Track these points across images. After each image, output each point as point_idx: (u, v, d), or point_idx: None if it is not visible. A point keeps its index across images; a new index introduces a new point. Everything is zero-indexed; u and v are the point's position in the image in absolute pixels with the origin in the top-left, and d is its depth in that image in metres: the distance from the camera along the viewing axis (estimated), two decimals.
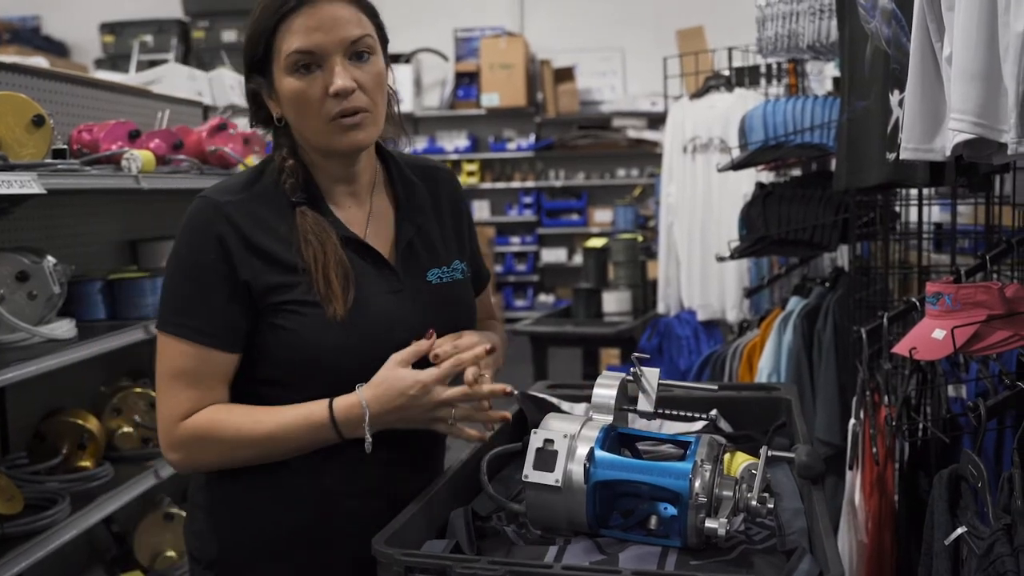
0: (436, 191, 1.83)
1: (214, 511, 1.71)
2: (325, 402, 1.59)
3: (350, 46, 1.59)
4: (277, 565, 1.67)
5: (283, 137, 1.69)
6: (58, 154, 2.79)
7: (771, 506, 1.46)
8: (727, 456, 1.71)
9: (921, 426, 2.23)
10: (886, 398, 2.40)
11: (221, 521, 1.70)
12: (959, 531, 1.63)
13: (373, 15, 1.66)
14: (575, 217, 9.38)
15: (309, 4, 1.57)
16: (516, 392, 2.06)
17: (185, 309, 1.61)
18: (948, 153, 1.67)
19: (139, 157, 3.07)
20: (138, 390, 3.44)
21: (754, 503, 1.45)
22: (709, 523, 1.42)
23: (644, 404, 1.70)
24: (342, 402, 1.59)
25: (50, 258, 2.87)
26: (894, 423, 2.26)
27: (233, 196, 1.63)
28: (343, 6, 1.59)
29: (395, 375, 1.59)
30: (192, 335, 1.59)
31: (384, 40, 1.69)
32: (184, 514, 3.61)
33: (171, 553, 3.56)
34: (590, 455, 1.50)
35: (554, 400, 2.05)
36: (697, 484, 1.44)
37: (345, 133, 1.61)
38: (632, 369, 1.71)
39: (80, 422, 3.15)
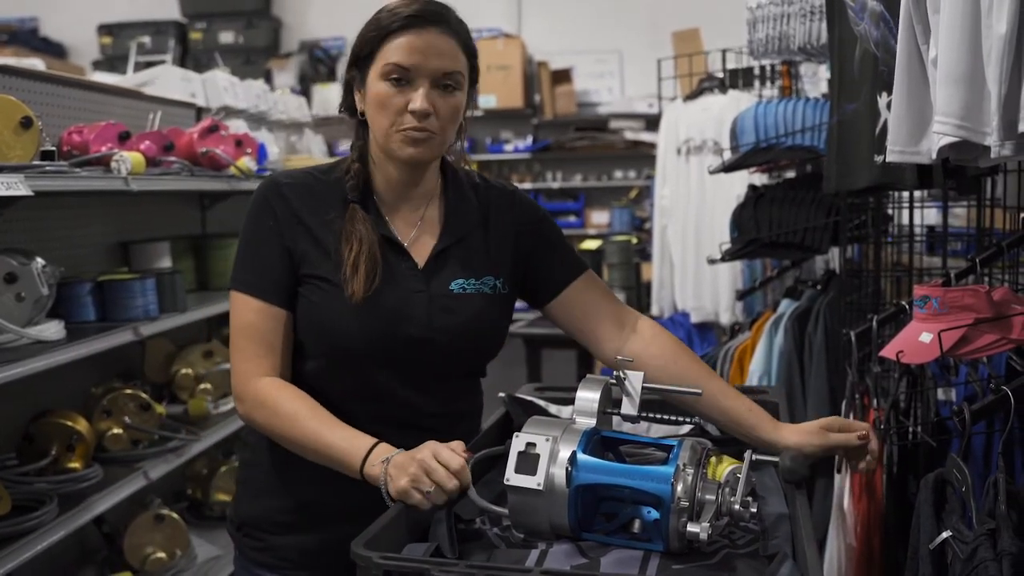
0: (488, 210, 1.95)
1: (247, 483, 1.98)
2: (364, 449, 1.66)
3: (440, 77, 1.76)
4: (295, 535, 1.89)
5: (361, 129, 1.88)
6: (47, 156, 2.79)
7: (754, 510, 1.46)
8: (712, 460, 1.70)
9: (910, 430, 2.22)
10: (875, 401, 2.40)
11: (251, 493, 1.96)
12: (944, 535, 1.62)
13: (471, 55, 1.83)
14: (572, 219, 9.35)
15: (417, 28, 1.74)
16: (503, 394, 2.06)
17: (247, 268, 1.84)
18: (934, 156, 1.66)
19: (129, 159, 3.07)
20: (128, 391, 3.43)
21: (737, 507, 1.45)
22: (691, 527, 1.41)
23: (627, 407, 1.68)
24: (375, 459, 1.64)
25: (39, 260, 2.86)
26: (883, 426, 2.25)
27: (292, 179, 1.87)
28: (446, 39, 1.76)
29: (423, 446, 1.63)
30: (250, 289, 1.81)
31: (474, 79, 1.86)
32: (175, 515, 3.64)
33: (161, 554, 3.56)
34: (572, 459, 1.49)
35: (541, 403, 2.04)
36: (679, 488, 1.43)
37: (408, 144, 1.78)
38: (616, 372, 1.71)
39: (69, 423, 3.14)
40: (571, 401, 2.03)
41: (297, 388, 1.79)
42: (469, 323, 1.84)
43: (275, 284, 1.81)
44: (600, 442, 1.61)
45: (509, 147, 9.41)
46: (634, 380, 1.69)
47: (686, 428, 1.98)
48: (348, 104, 1.88)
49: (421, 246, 1.87)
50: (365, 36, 1.79)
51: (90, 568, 3.57)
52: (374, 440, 1.66)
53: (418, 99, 1.74)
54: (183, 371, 4.00)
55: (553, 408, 2.03)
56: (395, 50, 1.74)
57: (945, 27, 1.55)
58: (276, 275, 1.81)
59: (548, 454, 1.49)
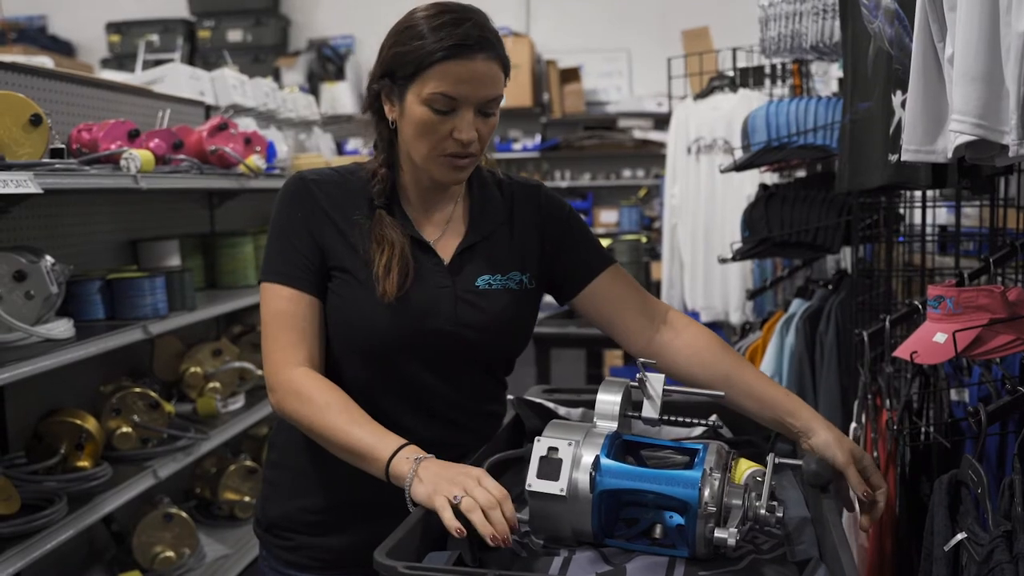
0: (513, 206, 1.96)
1: (275, 484, 1.97)
2: (392, 446, 1.62)
3: (485, 104, 1.74)
4: (325, 536, 1.90)
5: (385, 132, 1.85)
6: (56, 153, 2.78)
7: (780, 515, 1.44)
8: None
9: (923, 430, 2.21)
10: (888, 402, 2.38)
11: (280, 494, 1.95)
12: (958, 537, 1.61)
13: (508, 72, 1.80)
14: (581, 218, 9.33)
15: (467, 56, 1.70)
16: (511, 397, 2.05)
17: (278, 260, 1.83)
18: (950, 155, 1.64)
19: (138, 157, 3.07)
20: (137, 390, 3.43)
21: (763, 512, 1.43)
22: (719, 533, 1.39)
23: (649, 410, 1.66)
24: (404, 455, 1.61)
25: (48, 258, 2.86)
26: (896, 427, 2.24)
27: (319, 175, 1.87)
28: (491, 64, 1.73)
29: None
30: (280, 279, 1.81)
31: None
32: (184, 514, 3.64)
33: (170, 553, 3.56)
34: (596, 463, 1.47)
35: (551, 405, 2.03)
36: (706, 493, 1.41)
37: (451, 170, 1.79)
38: (638, 375, 1.68)
39: (78, 422, 3.13)
40: (580, 403, 2.02)
41: (330, 381, 1.77)
42: (495, 318, 1.84)
43: (305, 272, 1.80)
44: (622, 446, 1.59)
45: (517, 146, 9.38)
46: (655, 382, 1.66)
47: (699, 430, 1.96)
48: (375, 109, 1.85)
49: (447, 243, 1.87)
50: (405, 55, 1.73)
51: (99, 567, 3.57)
52: (404, 440, 1.63)
53: (465, 129, 1.73)
54: (192, 370, 4.00)
55: (563, 410, 2.02)
56: (441, 79, 1.70)
57: (962, 25, 1.53)
58: (306, 264, 1.81)
59: (571, 459, 1.47)
